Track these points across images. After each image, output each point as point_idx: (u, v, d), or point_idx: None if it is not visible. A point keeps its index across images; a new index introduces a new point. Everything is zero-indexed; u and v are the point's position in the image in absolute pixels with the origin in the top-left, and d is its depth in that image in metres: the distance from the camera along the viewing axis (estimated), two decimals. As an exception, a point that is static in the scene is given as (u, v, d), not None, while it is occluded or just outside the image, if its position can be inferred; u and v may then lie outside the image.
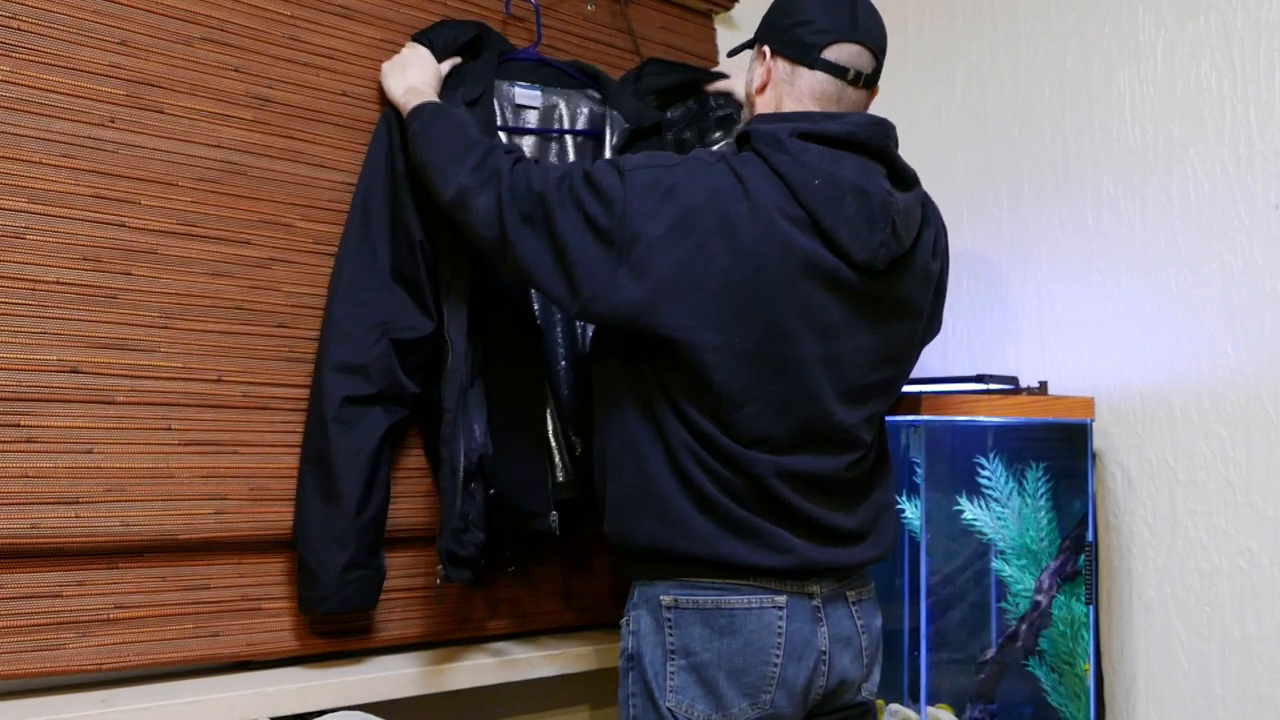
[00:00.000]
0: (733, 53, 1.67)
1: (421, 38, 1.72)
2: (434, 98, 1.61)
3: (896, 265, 1.45)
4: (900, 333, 1.49)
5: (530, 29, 1.88)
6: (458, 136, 1.51)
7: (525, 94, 1.77)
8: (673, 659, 1.43)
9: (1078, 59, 1.95)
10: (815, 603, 1.44)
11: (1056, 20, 1.99)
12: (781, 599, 1.42)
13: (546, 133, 1.79)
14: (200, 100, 1.56)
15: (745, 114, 1.58)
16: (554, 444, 1.70)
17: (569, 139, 1.81)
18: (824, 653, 1.44)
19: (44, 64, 1.44)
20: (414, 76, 1.63)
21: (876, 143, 1.43)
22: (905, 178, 1.47)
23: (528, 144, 1.78)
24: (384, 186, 1.64)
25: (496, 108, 1.74)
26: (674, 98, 1.91)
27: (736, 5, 2.17)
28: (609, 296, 1.39)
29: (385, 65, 1.68)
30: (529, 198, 1.42)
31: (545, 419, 1.70)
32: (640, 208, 1.38)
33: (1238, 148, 1.74)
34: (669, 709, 1.42)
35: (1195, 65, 1.79)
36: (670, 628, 1.43)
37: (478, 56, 1.75)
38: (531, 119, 1.78)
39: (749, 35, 1.60)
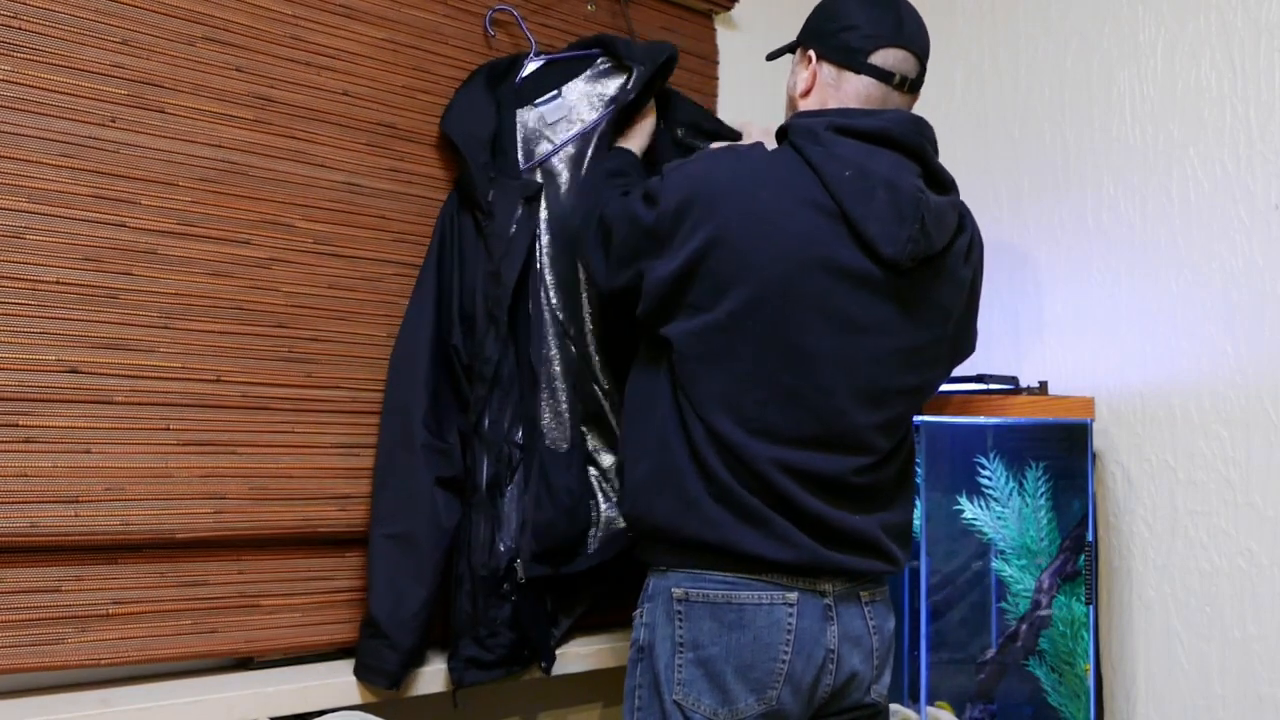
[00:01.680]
0: (772, 56, 1.67)
1: (451, 128, 1.72)
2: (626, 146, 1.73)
3: (927, 266, 1.44)
4: (928, 338, 1.47)
5: (515, 34, 1.88)
6: (588, 194, 1.66)
7: (551, 109, 1.77)
8: (681, 651, 1.43)
9: (1078, 59, 1.95)
10: (827, 600, 1.44)
11: (1056, 20, 1.99)
12: (793, 595, 1.42)
13: (590, 130, 1.78)
14: (202, 100, 1.56)
15: (786, 115, 1.59)
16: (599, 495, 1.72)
17: (605, 119, 1.78)
18: (833, 651, 1.43)
19: (46, 63, 1.44)
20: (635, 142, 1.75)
21: (911, 140, 1.43)
22: (941, 180, 1.47)
23: (580, 141, 1.77)
24: (448, 277, 1.69)
25: (538, 135, 1.75)
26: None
27: (736, 5, 2.17)
28: (648, 274, 1.45)
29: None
30: (600, 224, 1.55)
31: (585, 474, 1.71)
32: (670, 204, 1.43)
33: (1238, 148, 1.74)
34: (675, 701, 1.42)
35: (1195, 65, 1.79)
36: (680, 620, 1.44)
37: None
38: (571, 126, 1.77)
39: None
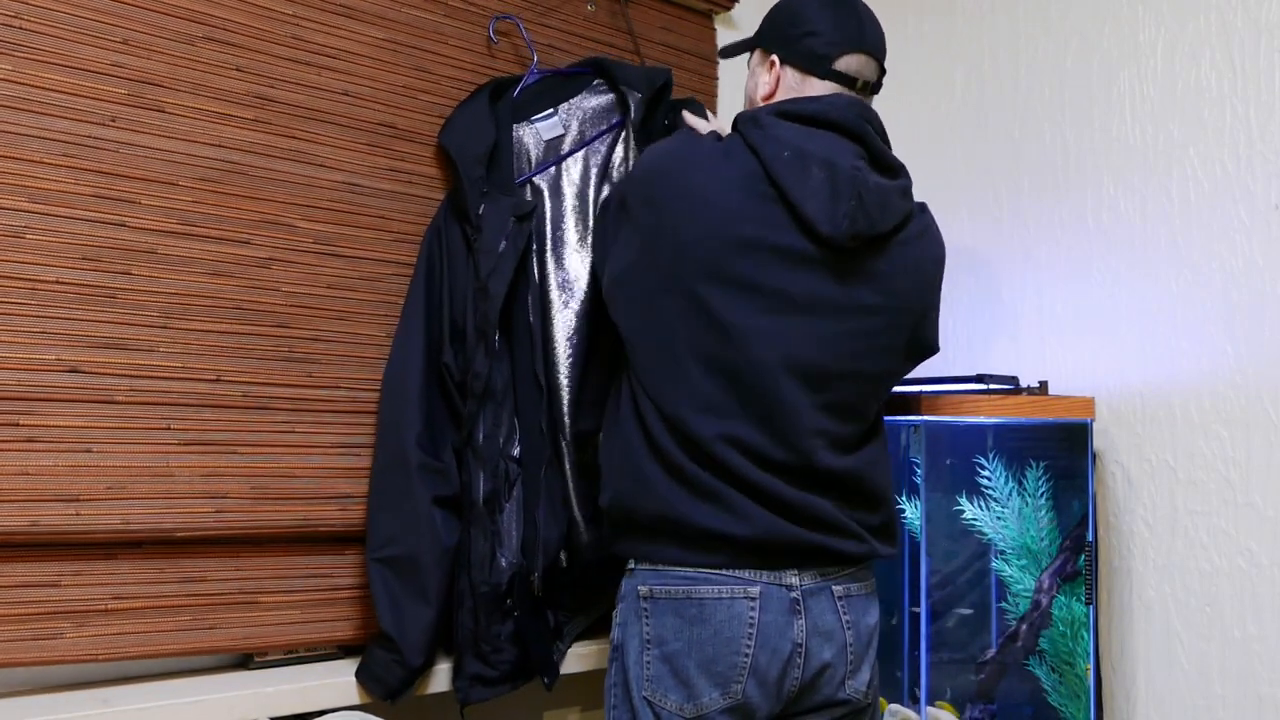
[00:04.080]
0: (728, 54, 1.68)
1: (449, 141, 1.72)
2: None
3: (872, 247, 1.44)
4: (880, 324, 1.47)
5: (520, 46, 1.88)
6: None
7: (547, 125, 1.78)
8: (648, 648, 1.45)
9: (1078, 59, 1.95)
10: (794, 594, 1.44)
11: (1056, 20, 1.99)
12: (755, 589, 1.42)
13: (582, 147, 1.78)
14: (202, 99, 1.56)
15: None
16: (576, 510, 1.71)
17: (602, 140, 1.80)
18: (800, 645, 1.43)
19: (46, 63, 1.44)
20: None
21: (851, 123, 1.45)
22: (887, 164, 1.47)
23: (577, 160, 1.77)
24: (440, 290, 1.69)
25: (533, 151, 1.75)
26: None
27: (736, 5, 2.17)
28: (609, 268, 1.50)
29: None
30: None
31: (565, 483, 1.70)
32: (633, 193, 1.48)
33: (1238, 148, 1.74)
34: (644, 698, 1.44)
35: (1195, 65, 1.79)
36: (646, 618, 1.45)
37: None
38: (565, 144, 1.78)
39: (749, 35, 1.61)
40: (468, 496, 1.63)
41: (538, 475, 1.66)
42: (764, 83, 1.54)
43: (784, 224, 1.42)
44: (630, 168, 1.52)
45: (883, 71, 1.54)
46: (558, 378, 1.69)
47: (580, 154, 1.77)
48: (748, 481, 1.42)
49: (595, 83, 1.82)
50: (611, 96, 1.81)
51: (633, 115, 1.74)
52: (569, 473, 1.68)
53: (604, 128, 1.80)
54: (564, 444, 1.68)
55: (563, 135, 1.78)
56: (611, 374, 1.58)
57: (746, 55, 1.63)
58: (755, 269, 1.41)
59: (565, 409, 1.68)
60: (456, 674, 1.63)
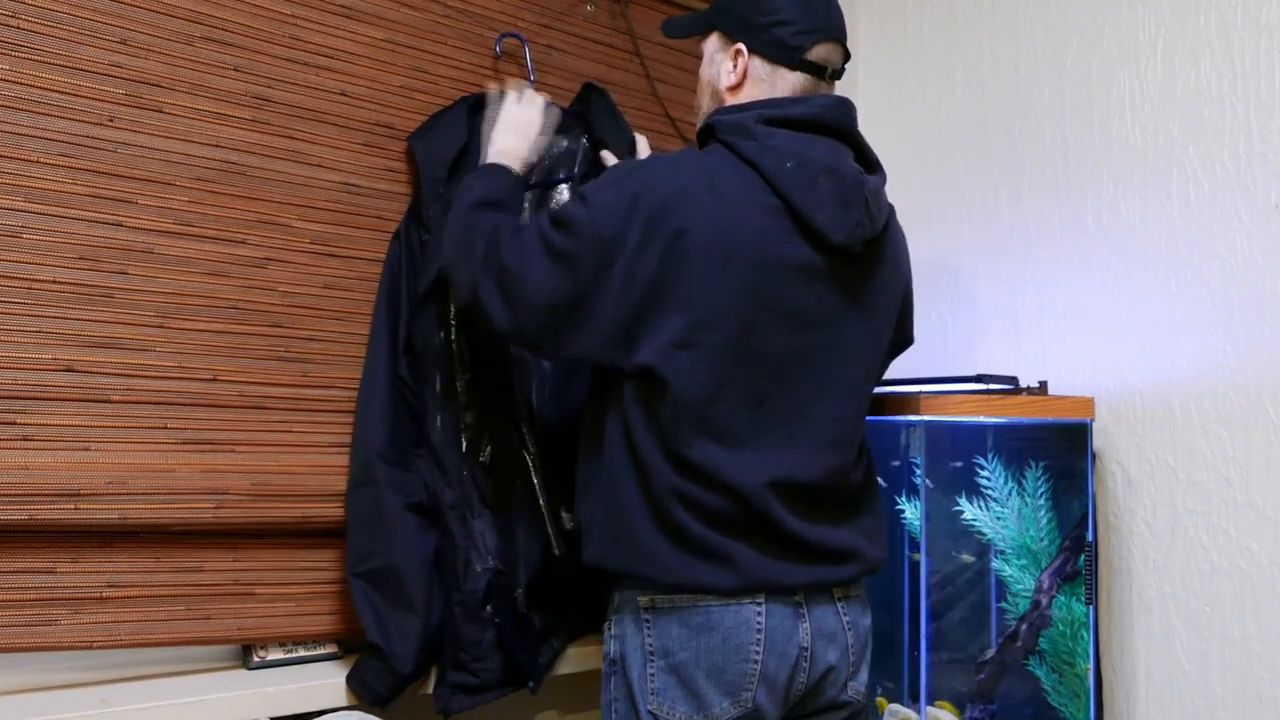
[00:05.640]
0: (679, 34, 1.58)
1: (415, 144, 1.71)
2: (505, 164, 1.58)
3: (871, 248, 1.43)
4: (878, 325, 1.47)
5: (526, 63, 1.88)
6: (458, 228, 1.48)
7: None
8: (652, 660, 1.41)
9: (1078, 59, 1.95)
10: (797, 598, 1.42)
11: (1056, 20, 1.98)
12: (760, 595, 1.40)
13: (547, 185, 1.77)
14: (200, 99, 1.56)
15: (706, 105, 1.53)
16: (547, 520, 1.68)
17: (565, 184, 1.79)
18: (805, 649, 1.42)
19: (44, 62, 1.45)
20: (502, 140, 1.62)
21: (843, 124, 1.43)
22: (870, 160, 1.46)
23: (539, 193, 1.77)
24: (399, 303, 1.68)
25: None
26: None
27: (736, 5, 2.17)
28: (600, 325, 1.37)
29: (498, 117, 1.65)
30: (499, 271, 1.40)
31: (534, 494, 1.68)
32: (607, 227, 1.35)
33: (1238, 148, 1.73)
34: (650, 711, 1.40)
35: (1195, 65, 1.79)
36: (649, 629, 1.42)
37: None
38: (533, 175, 1.75)
39: (701, 12, 1.56)
40: (434, 504, 1.63)
41: (510, 485, 1.65)
42: (727, 72, 1.47)
43: (794, 237, 1.38)
44: (599, 190, 1.39)
45: (847, 56, 1.50)
46: (511, 389, 1.67)
47: (539, 190, 1.76)
48: (774, 527, 1.38)
49: (584, 139, 1.81)
50: (587, 148, 1.81)
51: (577, 169, 1.76)
52: (538, 486, 1.66)
53: (562, 175, 1.78)
54: (529, 457, 1.66)
55: (540, 165, 1.76)
56: (574, 392, 1.55)
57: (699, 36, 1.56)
58: (778, 290, 1.37)
59: (524, 422, 1.66)
60: (438, 684, 1.61)
